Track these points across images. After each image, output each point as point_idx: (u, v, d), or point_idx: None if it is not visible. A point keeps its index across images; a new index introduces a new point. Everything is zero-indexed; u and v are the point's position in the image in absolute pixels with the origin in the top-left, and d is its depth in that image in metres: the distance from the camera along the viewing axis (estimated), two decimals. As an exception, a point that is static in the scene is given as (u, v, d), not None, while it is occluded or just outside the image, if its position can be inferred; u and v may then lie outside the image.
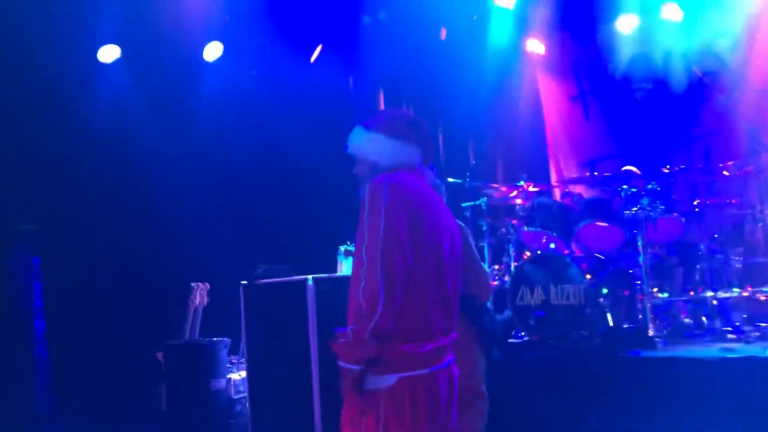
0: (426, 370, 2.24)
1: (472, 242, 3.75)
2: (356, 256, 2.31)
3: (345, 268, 5.62)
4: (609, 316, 4.91)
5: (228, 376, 5.54)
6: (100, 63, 6.68)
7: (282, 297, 4.73)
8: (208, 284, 5.86)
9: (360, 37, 7.22)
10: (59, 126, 6.55)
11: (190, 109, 7.19)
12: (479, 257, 3.83)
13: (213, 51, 6.97)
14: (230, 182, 7.25)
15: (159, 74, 6.88)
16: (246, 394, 5.13)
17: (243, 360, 5.19)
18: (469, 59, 7.32)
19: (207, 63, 7.05)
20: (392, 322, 2.16)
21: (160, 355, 5.63)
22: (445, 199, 3.22)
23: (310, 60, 7.17)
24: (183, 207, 7.18)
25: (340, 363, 2.20)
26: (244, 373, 5.21)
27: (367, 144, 2.53)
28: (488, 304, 3.77)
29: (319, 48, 7.13)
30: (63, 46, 6.25)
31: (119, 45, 6.67)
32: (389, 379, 2.19)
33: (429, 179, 2.61)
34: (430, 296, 2.30)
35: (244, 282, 5.18)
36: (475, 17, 7.11)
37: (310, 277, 4.72)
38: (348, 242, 6.34)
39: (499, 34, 7.30)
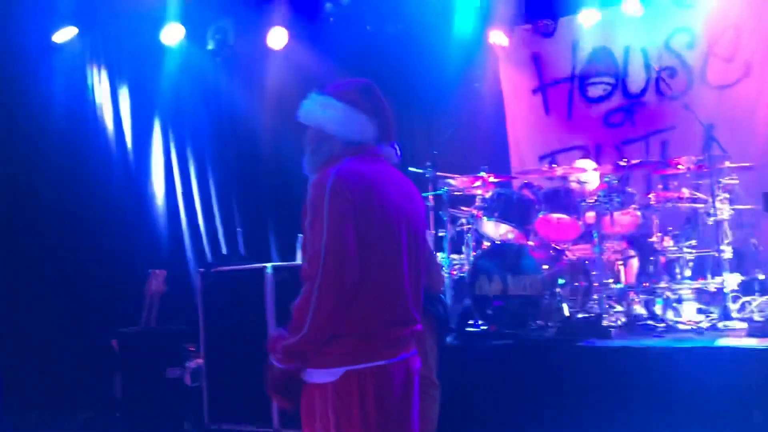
0: (375, 363, 2.14)
1: (428, 232, 3.77)
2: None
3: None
4: (565, 306, 4.99)
5: (185, 365, 5.48)
6: (55, 44, 6.51)
7: (240, 285, 4.69)
8: (165, 271, 5.78)
9: (323, 24, 7.17)
10: (4, 109, 6.37)
11: (148, 92, 7.06)
12: (432, 247, 3.86)
13: (173, 33, 6.84)
14: (189, 168, 7.15)
15: (115, 56, 6.73)
16: (203, 383, 5.09)
17: (200, 348, 5.14)
18: (432, 49, 7.32)
19: (165, 46, 6.92)
20: (319, 338, 2.09)
21: (114, 343, 5.54)
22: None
23: (270, 44, 7.08)
24: (140, 192, 7.05)
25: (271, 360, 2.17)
26: (201, 362, 5.16)
27: (319, 110, 2.33)
28: (442, 295, 3.80)
29: (283, 33, 7.04)
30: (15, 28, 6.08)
31: (76, 25, 6.51)
32: (335, 373, 2.11)
33: (389, 158, 2.44)
34: (384, 288, 2.19)
35: (202, 269, 5.13)
36: (437, 7, 7.10)
37: (269, 264, 4.70)
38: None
39: (463, 25, 7.32)
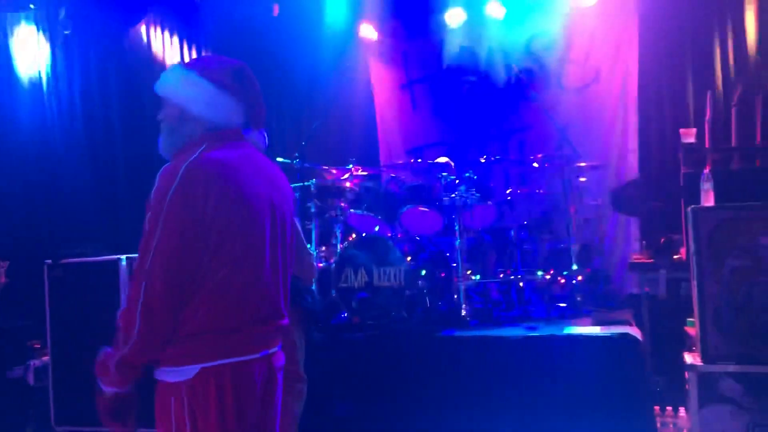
0: (233, 360, 2.04)
1: (298, 222, 3.71)
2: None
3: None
4: (427, 297, 5.11)
5: (28, 363, 5.09)
6: None
7: (91, 278, 4.42)
8: (7, 262, 5.32)
9: (192, 9, 6.90)
10: None
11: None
12: (304, 238, 3.81)
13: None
14: (37, 151, 6.61)
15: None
16: (48, 383, 4.75)
17: (46, 345, 4.80)
18: (303, 39, 7.25)
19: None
20: (152, 346, 1.97)
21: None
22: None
23: (138, 28, 6.71)
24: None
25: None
26: (46, 359, 4.81)
27: (181, 86, 2.15)
28: (312, 286, 3.76)
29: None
30: None
31: None
32: (189, 371, 2.00)
33: (256, 144, 2.35)
34: (244, 282, 2.07)
35: (49, 261, 4.78)
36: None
37: (123, 256, 4.45)
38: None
39: (334, 17, 7.30)
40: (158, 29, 6.93)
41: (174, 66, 2.24)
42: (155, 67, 6.74)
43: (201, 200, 1.98)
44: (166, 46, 7.01)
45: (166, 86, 2.20)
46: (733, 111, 4.60)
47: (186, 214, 1.97)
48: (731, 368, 3.70)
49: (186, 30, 7.01)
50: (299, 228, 3.62)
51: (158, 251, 1.95)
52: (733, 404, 3.69)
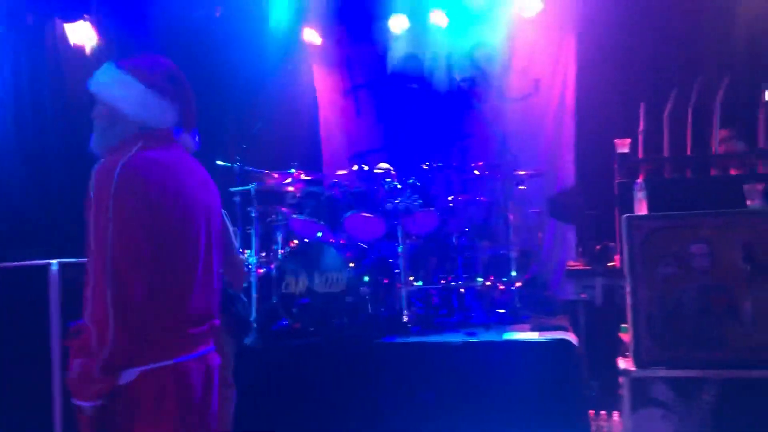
0: (172, 361, 2.04)
1: (230, 226, 3.65)
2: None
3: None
4: (369, 303, 5.10)
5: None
6: None
7: (18, 284, 4.21)
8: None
9: (132, 8, 6.71)
10: None
11: None
12: (235, 242, 3.75)
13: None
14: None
15: None
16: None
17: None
18: (246, 41, 7.15)
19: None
20: (128, 345, 1.94)
21: None
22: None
23: (75, 25, 6.49)
24: None
25: (73, 400, 1.96)
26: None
27: (114, 86, 2.17)
28: (242, 292, 3.71)
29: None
30: None
31: None
32: (129, 375, 1.98)
33: (187, 146, 2.33)
34: (181, 284, 2.09)
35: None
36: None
37: (54, 261, 4.27)
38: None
39: (278, 20, 7.24)
40: (96, 26, 6.72)
41: (107, 65, 2.23)
42: (91, 64, 6.54)
43: (141, 199, 2.00)
44: (104, 44, 6.81)
45: (99, 85, 2.21)
46: (665, 122, 4.75)
47: (131, 214, 1.98)
48: (662, 373, 3.81)
49: (125, 28, 6.82)
50: (231, 231, 3.57)
51: (118, 247, 1.95)
52: (664, 408, 3.80)
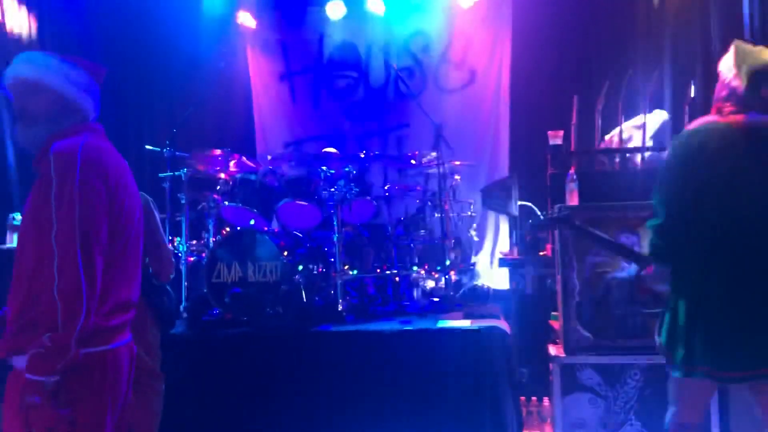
0: (111, 345, 2.11)
1: (158, 215, 3.54)
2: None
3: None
4: (303, 292, 5.04)
5: None
6: None
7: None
8: None
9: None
10: None
11: None
12: (163, 233, 3.64)
13: None
14: None
15: None
16: None
17: None
18: (178, 23, 6.94)
19: None
20: (93, 318, 1.99)
21: None
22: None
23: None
24: None
25: (28, 376, 1.93)
26: None
27: (62, 74, 2.17)
28: (168, 283, 3.62)
29: None
30: None
31: None
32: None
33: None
34: (125, 270, 2.18)
35: None
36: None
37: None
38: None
39: (211, 2, 7.05)
40: (17, 5, 6.37)
41: (45, 54, 2.24)
42: (10, 47, 6.19)
43: (103, 182, 2.06)
44: (26, 25, 6.46)
45: (42, 72, 2.18)
46: (597, 115, 4.86)
47: (95, 194, 2.04)
48: (591, 359, 3.92)
49: (48, 8, 6.49)
50: (158, 220, 3.49)
51: (85, 225, 1.98)
52: (592, 393, 3.91)
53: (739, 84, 2.67)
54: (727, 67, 2.77)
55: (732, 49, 2.78)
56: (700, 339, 2.61)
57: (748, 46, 2.78)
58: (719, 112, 2.75)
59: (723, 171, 2.62)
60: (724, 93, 2.74)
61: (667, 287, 2.76)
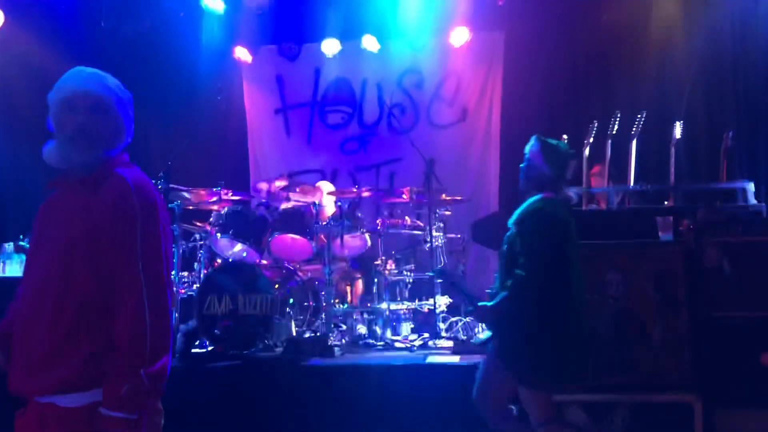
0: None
1: None
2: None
3: (11, 268, 4.96)
4: (293, 325, 5.06)
5: None
6: None
7: None
8: None
9: (50, 14, 6.51)
10: None
11: None
12: None
13: None
14: None
15: None
16: None
17: None
18: (175, 57, 7.05)
19: None
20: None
21: None
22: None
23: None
24: None
25: (114, 414, 1.85)
26: None
27: (121, 97, 2.05)
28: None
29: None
30: None
31: None
32: (96, 394, 1.91)
33: None
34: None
35: None
36: (182, 14, 6.85)
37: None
38: (22, 237, 5.59)
39: (209, 37, 7.16)
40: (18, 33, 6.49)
41: (104, 75, 2.09)
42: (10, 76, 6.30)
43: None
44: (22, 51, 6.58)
45: (109, 91, 2.05)
46: (585, 155, 4.96)
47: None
48: (578, 396, 3.94)
49: (48, 35, 6.60)
50: None
51: (164, 259, 1.96)
52: (579, 430, 3.92)
53: (549, 170, 3.32)
54: (535, 155, 3.40)
55: (537, 142, 3.43)
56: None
57: (551, 140, 3.45)
58: (548, 190, 3.31)
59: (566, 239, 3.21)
60: (543, 176, 3.34)
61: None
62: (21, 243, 5.30)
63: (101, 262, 1.92)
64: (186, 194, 5.50)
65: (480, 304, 3.30)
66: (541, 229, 3.17)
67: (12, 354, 2.00)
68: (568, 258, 3.20)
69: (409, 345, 5.09)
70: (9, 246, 5.13)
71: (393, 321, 5.51)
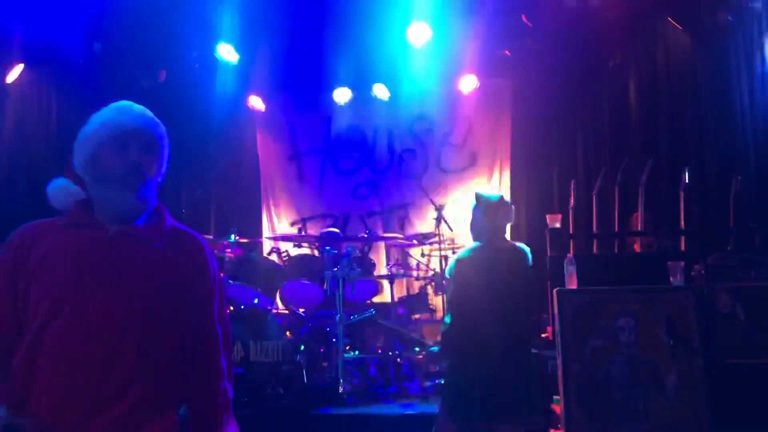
0: None
1: None
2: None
3: None
4: (304, 372, 5.03)
5: None
6: None
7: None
8: None
9: (70, 66, 6.68)
10: None
11: None
12: None
13: None
14: None
15: None
16: None
17: None
18: (190, 106, 7.19)
19: None
20: None
21: None
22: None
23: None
24: None
25: None
26: None
27: (168, 141, 2.01)
28: None
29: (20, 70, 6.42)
30: None
31: None
32: None
33: None
34: None
35: None
36: (197, 65, 7.02)
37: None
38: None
39: (223, 87, 7.30)
40: (35, 81, 6.67)
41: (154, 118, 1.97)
42: (30, 125, 6.45)
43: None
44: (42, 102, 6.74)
45: (163, 132, 1.96)
46: (594, 199, 4.98)
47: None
48: (590, 447, 3.88)
49: (65, 84, 6.77)
50: None
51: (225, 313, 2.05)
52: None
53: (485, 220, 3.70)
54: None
55: (475, 197, 3.84)
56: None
57: (486, 193, 3.87)
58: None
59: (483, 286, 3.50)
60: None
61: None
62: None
63: (185, 310, 1.88)
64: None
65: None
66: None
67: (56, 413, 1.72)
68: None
69: (422, 393, 5.04)
70: None
71: (405, 368, 5.47)
